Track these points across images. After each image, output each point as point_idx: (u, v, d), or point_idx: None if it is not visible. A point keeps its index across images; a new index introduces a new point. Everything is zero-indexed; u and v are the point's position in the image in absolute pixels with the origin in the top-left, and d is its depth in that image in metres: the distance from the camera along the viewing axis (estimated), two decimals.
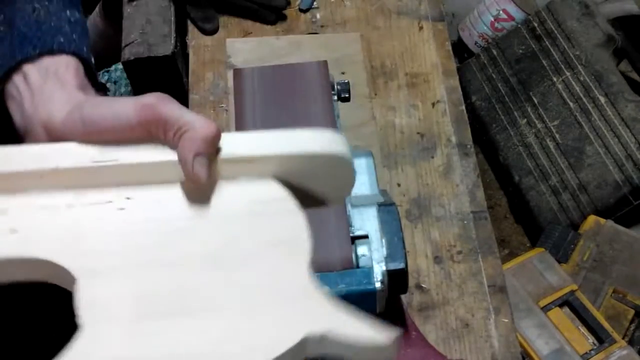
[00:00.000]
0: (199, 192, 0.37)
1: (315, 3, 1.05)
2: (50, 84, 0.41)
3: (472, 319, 0.80)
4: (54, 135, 0.39)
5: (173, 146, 0.36)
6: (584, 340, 1.25)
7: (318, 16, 1.05)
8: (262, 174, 0.38)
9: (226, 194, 0.38)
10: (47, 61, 0.43)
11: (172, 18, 1.01)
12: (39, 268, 0.34)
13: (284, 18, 1.04)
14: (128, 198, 0.36)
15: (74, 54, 0.44)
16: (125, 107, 0.37)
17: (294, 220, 0.37)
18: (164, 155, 0.37)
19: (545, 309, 1.27)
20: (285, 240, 0.36)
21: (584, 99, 1.56)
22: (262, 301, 0.34)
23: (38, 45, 0.43)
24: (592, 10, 1.61)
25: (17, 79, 0.42)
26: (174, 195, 0.37)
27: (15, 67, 0.42)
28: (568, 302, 1.29)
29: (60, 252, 0.34)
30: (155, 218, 0.36)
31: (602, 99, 1.54)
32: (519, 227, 1.67)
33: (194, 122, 0.36)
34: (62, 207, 0.36)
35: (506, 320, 0.80)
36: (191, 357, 0.31)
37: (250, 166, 0.38)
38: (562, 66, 1.61)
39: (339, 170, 0.39)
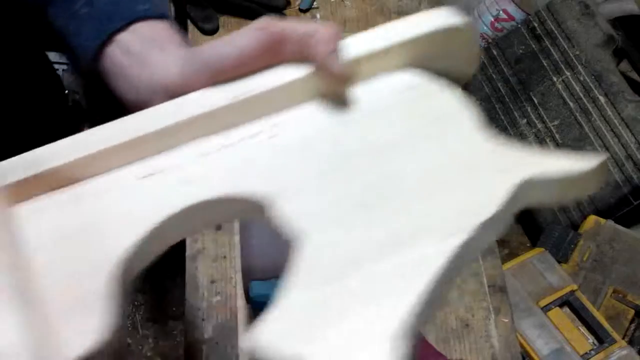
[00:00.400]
0: (342, 98, 0.37)
1: (315, 3, 1.05)
2: (151, 47, 0.41)
3: (472, 319, 0.80)
4: (176, 93, 0.38)
5: (300, 59, 0.37)
6: (584, 340, 1.25)
7: (318, 16, 1.05)
8: (396, 65, 0.38)
9: (370, 91, 0.38)
10: (139, 28, 0.42)
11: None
12: (223, 208, 0.35)
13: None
14: (275, 125, 0.37)
15: (161, 17, 0.44)
16: (242, 39, 0.37)
17: (448, 95, 0.37)
18: (292, 74, 0.37)
19: (545, 309, 1.27)
20: (448, 114, 0.37)
21: (584, 99, 1.56)
22: (456, 171, 0.34)
23: (124, 16, 0.42)
24: (592, 10, 1.61)
25: (114, 52, 0.42)
26: (319, 109, 0.37)
27: (108, 40, 0.42)
28: (568, 302, 1.29)
29: (240, 186, 0.34)
30: (311, 133, 0.36)
31: (602, 99, 1.54)
32: (519, 227, 1.67)
33: (312, 28, 0.36)
34: (218, 149, 0.36)
35: (506, 320, 0.80)
36: (417, 235, 0.32)
37: (383, 60, 0.37)
38: (562, 66, 1.61)
39: (463, 42, 0.39)
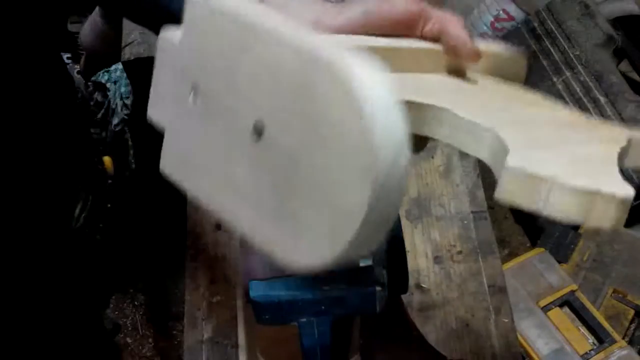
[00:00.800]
0: (464, 74, 0.45)
1: None
2: None
3: (472, 319, 0.80)
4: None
5: (434, 38, 0.42)
6: (584, 340, 1.25)
7: None
8: (480, 70, 0.46)
9: (474, 78, 0.45)
10: None
11: None
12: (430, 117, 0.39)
13: None
14: (421, 77, 0.42)
15: None
16: (401, 1, 0.41)
17: (528, 90, 0.48)
18: (425, 45, 0.42)
19: (545, 309, 1.27)
20: (541, 98, 0.47)
21: (584, 99, 1.56)
22: (577, 123, 0.42)
23: None
24: (592, 10, 1.61)
25: None
26: (449, 78, 0.44)
27: None
28: (568, 302, 1.29)
29: (426, 98, 0.39)
30: (455, 88, 0.42)
31: (602, 99, 1.54)
32: (519, 227, 1.67)
33: (445, 15, 0.42)
34: None
35: (506, 320, 0.80)
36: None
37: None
38: (562, 66, 1.61)
39: (518, 66, 0.51)
